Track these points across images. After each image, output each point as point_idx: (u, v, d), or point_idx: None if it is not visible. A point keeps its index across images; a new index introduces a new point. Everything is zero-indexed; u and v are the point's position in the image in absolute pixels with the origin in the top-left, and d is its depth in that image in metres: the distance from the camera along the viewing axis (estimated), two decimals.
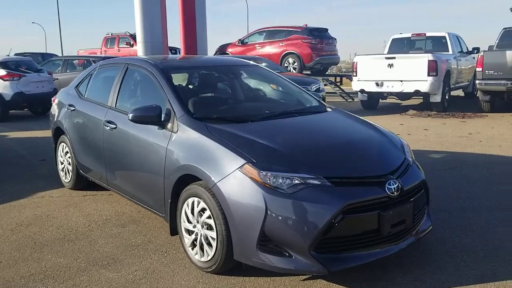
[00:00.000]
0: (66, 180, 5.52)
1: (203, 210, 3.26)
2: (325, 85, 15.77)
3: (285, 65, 16.33)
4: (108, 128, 4.33)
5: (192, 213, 3.36)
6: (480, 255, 3.59)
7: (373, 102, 13.07)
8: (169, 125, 3.64)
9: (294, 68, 16.23)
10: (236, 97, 4.44)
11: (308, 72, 16.82)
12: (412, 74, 11.50)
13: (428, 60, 11.30)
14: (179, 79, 4.85)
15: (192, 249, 3.42)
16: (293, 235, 2.89)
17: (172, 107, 3.70)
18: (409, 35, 14.09)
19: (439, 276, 3.25)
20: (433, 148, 7.56)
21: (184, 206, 3.42)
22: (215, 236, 3.16)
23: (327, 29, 17.39)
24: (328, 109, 4.30)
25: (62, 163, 5.58)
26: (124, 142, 4.14)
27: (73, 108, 5.14)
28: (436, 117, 11.39)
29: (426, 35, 13.73)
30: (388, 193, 3.06)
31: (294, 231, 2.89)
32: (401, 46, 14.07)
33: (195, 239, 3.37)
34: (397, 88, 11.79)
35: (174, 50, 19.79)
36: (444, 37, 13.31)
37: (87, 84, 5.16)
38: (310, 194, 2.91)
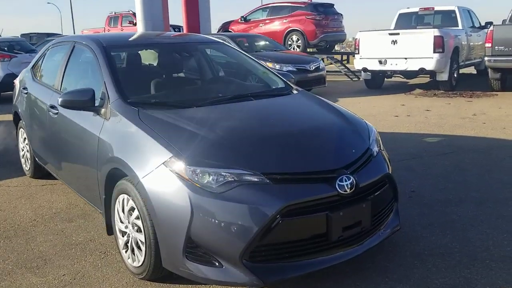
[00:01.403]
0: (26, 168, 5.20)
1: (132, 209, 2.86)
2: (330, 63, 15.20)
3: (289, 43, 15.72)
4: (51, 113, 3.94)
5: (124, 211, 2.97)
6: (455, 258, 3.13)
7: (378, 81, 12.45)
8: (103, 111, 3.23)
9: (298, 46, 15.61)
10: (187, 79, 3.98)
11: (313, 50, 16.20)
12: (417, 51, 10.84)
13: (434, 36, 10.62)
14: (149, 58, 4.43)
15: (126, 252, 3.04)
16: (223, 241, 2.49)
17: (106, 90, 3.28)
18: (416, 9, 13.31)
19: (402, 286, 2.82)
20: (430, 131, 7.03)
21: (116, 204, 3.03)
22: (143, 240, 2.77)
23: (333, 5, 16.66)
24: (294, 92, 3.83)
25: (22, 150, 5.24)
26: (63, 130, 3.76)
27: (26, 91, 4.76)
28: (442, 96, 10.76)
29: (435, 9, 12.94)
30: (340, 191, 2.62)
31: (224, 237, 2.48)
32: (409, 21, 13.32)
33: (128, 241, 2.99)
34: (401, 66, 11.16)
35: (178, 29, 19.30)
36: (453, 11, 12.53)
37: (40, 64, 4.77)
38: (243, 193, 2.49)
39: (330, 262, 2.65)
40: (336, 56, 15.88)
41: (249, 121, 3.09)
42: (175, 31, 17.85)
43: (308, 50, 16.06)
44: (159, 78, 3.86)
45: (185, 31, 15.11)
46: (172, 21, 15.90)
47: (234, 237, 2.46)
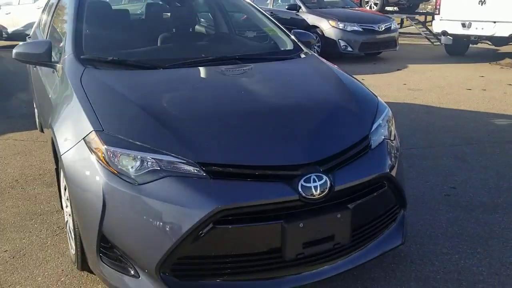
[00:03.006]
0: (37, 122, 4.96)
1: (65, 187, 2.39)
2: (410, 25, 13.73)
3: (365, 0, 14.36)
4: (33, 67, 3.56)
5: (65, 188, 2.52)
6: None
7: (460, 47, 10.93)
8: (58, 67, 2.75)
9: (376, 4, 14.21)
10: (169, 34, 3.32)
11: (394, 9, 14.72)
12: (509, 13, 9.25)
13: None
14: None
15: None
16: (139, 247, 1.95)
17: (65, 43, 2.79)
18: None
19: None
20: (503, 111, 5.88)
21: (61, 178, 2.59)
22: (72, 226, 2.30)
23: None
24: (302, 55, 3.10)
25: (34, 103, 5.00)
26: (37, 86, 3.35)
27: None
28: None
29: None
30: (303, 194, 1.94)
31: (140, 242, 1.94)
32: None
33: (67, 222, 2.55)
34: (488, 30, 9.63)
35: None
36: None
37: (41, 16, 4.40)
38: (169, 188, 1.90)
39: (281, 285, 2.01)
40: (418, 17, 14.30)
41: (210, 92, 2.44)
42: None
43: (388, 9, 14.60)
44: (137, 32, 3.27)
45: None
46: None
47: (152, 243, 1.91)
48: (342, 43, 9.73)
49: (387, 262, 2.62)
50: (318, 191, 1.96)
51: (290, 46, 3.23)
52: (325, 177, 2.00)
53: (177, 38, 3.23)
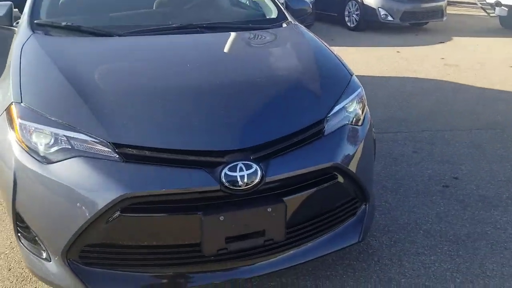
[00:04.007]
0: None
1: None
2: None
3: None
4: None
5: None
6: None
7: None
8: (15, 31, 2.63)
9: None
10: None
11: None
12: None
13: None
14: None
15: None
16: (48, 230, 1.82)
17: (26, 5, 2.66)
18: None
19: None
20: None
21: None
22: None
23: None
24: (284, 25, 2.81)
25: None
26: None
27: None
28: None
29: None
30: (226, 184, 1.73)
31: (48, 224, 1.81)
32: None
33: None
34: None
35: None
36: None
37: None
38: (77, 169, 1.74)
39: (198, 281, 1.83)
40: None
41: (153, 65, 2.20)
42: None
43: None
44: None
45: None
46: None
47: (58, 227, 1.77)
48: (382, 12, 9.14)
49: (350, 258, 2.38)
50: (246, 181, 1.74)
51: (274, 15, 2.94)
52: (255, 166, 1.77)
53: (146, 3, 3.00)
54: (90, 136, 1.77)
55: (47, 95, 1.95)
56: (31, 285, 2.19)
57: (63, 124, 1.81)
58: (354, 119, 2.16)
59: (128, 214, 1.70)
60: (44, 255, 1.86)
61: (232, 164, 1.75)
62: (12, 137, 1.87)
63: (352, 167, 2.02)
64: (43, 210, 1.80)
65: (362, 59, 6.85)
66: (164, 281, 1.82)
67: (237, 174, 1.74)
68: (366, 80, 5.42)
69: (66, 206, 1.74)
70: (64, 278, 1.80)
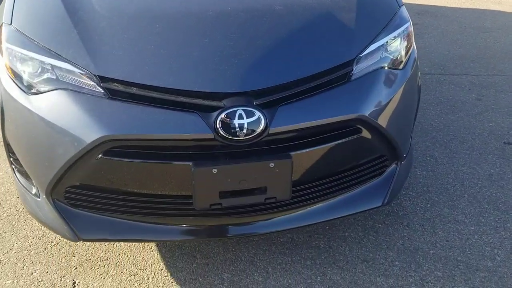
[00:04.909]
0: None
1: None
2: None
3: None
4: None
5: None
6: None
7: None
8: None
9: None
10: None
11: None
12: None
13: None
14: None
15: None
16: (33, 164, 1.70)
17: None
18: None
19: None
20: None
21: None
22: None
23: None
24: None
25: None
26: None
27: None
28: None
29: None
30: (221, 132, 1.49)
31: (33, 160, 1.68)
32: None
33: None
34: None
35: None
36: None
37: None
38: (58, 102, 1.57)
39: (188, 235, 1.67)
40: None
41: None
42: None
43: None
44: None
45: None
46: None
47: (42, 164, 1.64)
48: None
49: (375, 220, 2.12)
50: (245, 130, 1.49)
51: None
52: (258, 114, 1.50)
53: None
54: (75, 67, 1.57)
55: (37, 17, 1.75)
56: None
57: (49, 51, 1.61)
58: (395, 61, 1.80)
59: (111, 158, 1.52)
60: (34, 190, 1.75)
61: (230, 110, 1.49)
62: (1, 62, 1.71)
63: (382, 120, 1.69)
64: (28, 144, 1.67)
65: None
66: (152, 231, 1.67)
67: (236, 121, 1.49)
68: (436, 11, 4.78)
69: (49, 142, 1.59)
70: (51, 218, 1.69)
